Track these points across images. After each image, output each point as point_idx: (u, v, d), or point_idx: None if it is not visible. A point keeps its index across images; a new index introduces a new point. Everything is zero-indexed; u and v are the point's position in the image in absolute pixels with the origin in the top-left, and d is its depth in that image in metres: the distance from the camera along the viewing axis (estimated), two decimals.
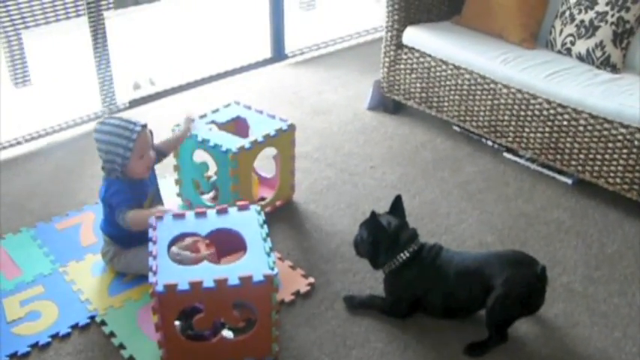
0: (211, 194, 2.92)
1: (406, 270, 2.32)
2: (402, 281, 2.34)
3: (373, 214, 2.31)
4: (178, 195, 2.96)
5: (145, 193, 2.49)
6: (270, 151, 2.86)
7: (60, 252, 2.68)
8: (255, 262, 2.08)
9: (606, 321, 2.41)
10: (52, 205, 2.97)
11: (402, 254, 2.31)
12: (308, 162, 3.29)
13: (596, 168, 2.96)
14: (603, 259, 2.71)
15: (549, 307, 2.45)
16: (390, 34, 3.57)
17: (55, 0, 3.33)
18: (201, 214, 2.28)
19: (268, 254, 2.11)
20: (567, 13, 3.25)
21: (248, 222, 2.25)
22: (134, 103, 3.83)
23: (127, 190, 2.40)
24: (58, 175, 3.21)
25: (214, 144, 2.67)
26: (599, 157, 2.94)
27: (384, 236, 2.31)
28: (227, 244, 2.31)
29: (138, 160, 2.40)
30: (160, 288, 1.97)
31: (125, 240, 2.48)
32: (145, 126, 2.41)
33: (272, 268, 2.05)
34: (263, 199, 2.93)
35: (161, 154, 2.64)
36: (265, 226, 2.24)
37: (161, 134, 3.25)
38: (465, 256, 2.35)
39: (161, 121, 3.57)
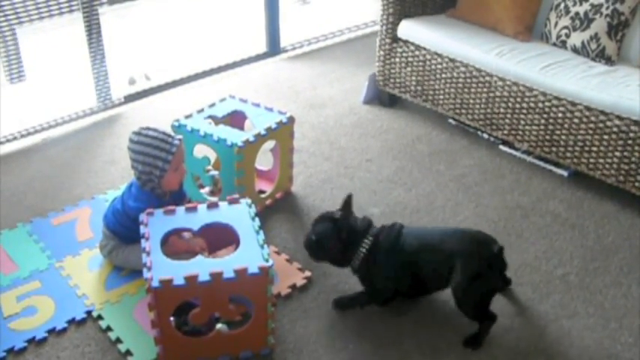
0: (208, 188, 2.92)
1: (372, 259, 2.30)
2: (372, 272, 2.33)
3: (324, 214, 2.32)
4: None
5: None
6: (267, 145, 2.86)
7: (56, 247, 2.67)
8: (250, 254, 2.08)
9: (602, 312, 2.42)
10: (48, 201, 2.96)
11: (362, 245, 2.29)
12: (304, 156, 3.29)
13: (592, 160, 2.97)
14: (599, 250, 2.71)
15: (545, 299, 2.46)
16: (385, 27, 3.57)
17: None
18: (191, 209, 2.28)
19: (262, 246, 2.11)
20: (562, 6, 3.25)
21: (239, 215, 2.25)
22: (129, 99, 3.82)
23: (155, 207, 2.34)
24: (54, 170, 3.20)
25: (218, 138, 2.67)
26: (594, 149, 2.94)
27: (342, 229, 2.29)
28: (219, 239, 2.31)
29: (173, 172, 2.42)
30: (155, 283, 1.97)
31: (128, 237, 2.48)
32: (181, 139, 2.43)
33: (267, 260, 2.06)
34: (262, 192, 2.94)
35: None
36: (257, 219, 2.24)
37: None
38: (426, 232, 2.36)
39: (156, 116, 3.58)
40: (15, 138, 3.44)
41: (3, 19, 3.25)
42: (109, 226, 2.53)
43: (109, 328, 2.32)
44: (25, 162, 3.27)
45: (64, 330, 2.32)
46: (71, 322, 2.35)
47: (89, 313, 2.38)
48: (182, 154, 2.46)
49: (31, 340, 2.27)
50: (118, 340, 2.27)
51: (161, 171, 2.38)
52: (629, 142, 2.81)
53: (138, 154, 2.38)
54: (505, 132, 3.25)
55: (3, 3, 3.19)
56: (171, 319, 2.12)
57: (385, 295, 2.37)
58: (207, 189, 2.91)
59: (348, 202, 2.36)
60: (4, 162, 3.27)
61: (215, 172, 2.85)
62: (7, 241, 2.70)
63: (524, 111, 3.13)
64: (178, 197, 2.55)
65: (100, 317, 2.36)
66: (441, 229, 2.42)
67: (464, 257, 2.19)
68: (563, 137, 3.03)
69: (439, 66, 3.40)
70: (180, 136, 2.44)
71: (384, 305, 2.39)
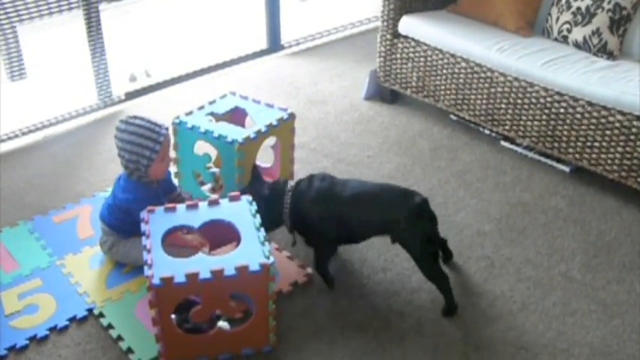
0: (209, 185, 2.91)
1: (297, 212, 2.41)
2: (302, 223, 2.44)
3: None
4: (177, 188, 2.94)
5: (160, 201, 2.47)
6: (268, 141, 2.85)
7: (57, 245, 2.67)
8: (251, 251, 2.07)
9: (605, 309, 2.41)
10: (49, 198, 2.96)
11: (285, 202, 2.42)
12: (305, 152, 3.28)
13: (594, 156, 2.96)
14: (601, 246, 2.70)
15: (547, 295, 2.46)
16: (385, 23, 3.56)
17: None
18: (192, 207, 2.27)
19: (263, 243, 2.11)
20: (564, 1, 3.24)
21: (240, 212, 2.25)
22: (130, 96, 3.81)
23: (146, 198, 2.40)
24: (55, 167, 3.20)
25: (219, 135, 2.66)
26: (596, 144, 2.93)
27: (260, 196, 2.43)
28: (219, 236, 2.30)
29: (160, 162, 2.43)
30: (156, 281, 1.96)
31: (126, 230, 2.48)
32: (167, 128, 2.45)
33: (267, 257, 2.05)
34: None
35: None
36: (258, 216, 2.24)
37: None
38: (358, 183, 2.45)
39: (157, 113, 3.56)
40: (16, 135, 3.43)
41: (4, 16, 3.24)
42: (105, 221, 2.54)
43: (110, 326, 2.31)
44: (26, 159, 3.27)
45: (66, 328, 2.32)
46: (72, 319, 2.35)
47: (90, 310, 2.38)
48: (169, 144, 2.47)
49: (32, 338, 2.27)
50: (119, 338, 2.27)
51: (148, 160, 2.39)
52: (632, 137, 2.80)
53: (125, 143, 2.38)
54: (507, 128, 3.24)
55: (4, 0, 3.19)
56: (173, 316, 2.11)
57: (325, 244, 2.46)
58: (208, 186, 2.90)
59: (253, 172, 2.56)
60: (5, 159, 3.26)
61: (216, 169, 2.85)
62: (8, 239, 2.70)
63: (526, 106, 3.12)
64: (167, 185, 2.58)
65: (101, 315, 2.36)
66: (370, 184, 2.49)
67: (396, 209, 2.31)
68: (565, 133, 3.02)
69: (440, 62, 3.39)
70: (167, 126, 2.44)
71: (327, 257, 2.48)
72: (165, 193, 2.57)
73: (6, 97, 3.79)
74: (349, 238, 2.50)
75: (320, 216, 2.40)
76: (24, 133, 3.46)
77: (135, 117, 2.43)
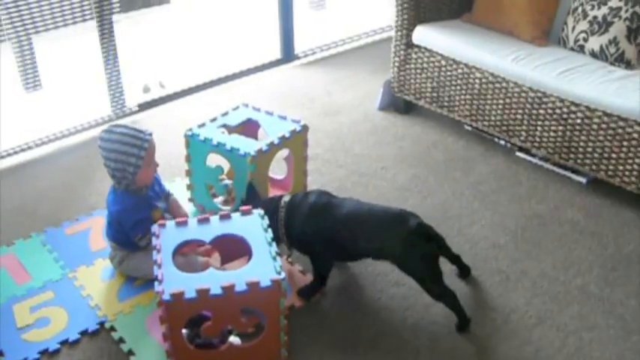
0: (222, 198, 2.90)
1: (291, 228, 2.39)
2: (305, 239, 2.41)
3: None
4: (190, 200, 2.93)
5: (152, 205, 2.49)
6: (281, 153, 2.84)
7: (69, 257, 2.67)
8: (262, 267, 2.05)
9: (623, 324, 2.36)
10: (61, 210, 2.96)
11: (279, 220, 2.39)
12: (318, 163, 3.26)
13: (611, 167, 2.91)
14: (619, 259, 2.66)
15: (564, 310, 2.41)
16: (399, 33, 3.54)
17: (63, 4, 3.32)
18: (204, 221, 2.26)
19: (274, 258, 2.08)
20: (580, 9, 3.20)
21: (252, 227, 2.23)
22: (143, 107, 3.82)
23: (138, 207, 2.41)
24: (68, 179, 3.20)
25: (231, 147, 2.65)
26: (613, 155, 2.89)
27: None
28: (231, 250, 2.29)
29: (146, 168, 2.41)
30: (166, 297, 1.95)
31: (130, 243, 2.47)
32: (151, 134, 2.43)
33: (279, 273, 2.03)
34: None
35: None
36: (270, 231, 2.22)
37: (170, 137, 3.26)
38: (354, 204, 2.41)
39: (171, 124, 3.57)
40: (30, 147, 3.44)
41: (21, 27, 3.26)
42: (109, 237, 2.54)
43: (121, 340, 2.30)
44: (40, 171, 3.28)
45: (77, 341, 2.31)
46: (84, 333, 2.34)
47: (102, 324, 2.37)
48: (154, 150, 2.45)
49: (44, 352, 2.26)
50: (131, 352, 2.25)
51: (135, 167, 2.37)
52: None
53: (110, 152, 2.37)
54: (522, 138, 3.20)
55: (22, 11, 3.21)
56: (184, 331, 2.10)
57: (325, 262, 2.44)
58: (220, 198, 2.89)
59: (248, 191, 2.55)
60: (18, 171, 3.27)
61: (228, 182, 2.84)
62: (21, 251, 2.70)
63: (542, 117, 3.08)
64: (158, 187, 2.57)
65: (112, 328, 2.35)
66: (367, 206, 2.44)
67: (388, 236, 2.28)
68: (582, 144, 2.98)
69: (455, 72, 3.36)
70: (151, 132, 2.43)
71: (327, 272, 2.45)
72: (159, 196, 2.57)
73: (20, 108, 3.81)
74: (343, 257, 2.47)
75: (312, 231, 2.37)
76: (38, 145, 3.47)
77: (117, 125, 2.42)
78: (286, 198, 2.44)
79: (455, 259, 2.54)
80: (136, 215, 2.40)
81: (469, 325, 2.34)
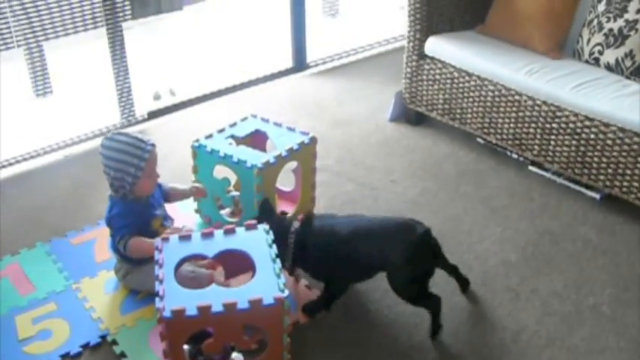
0: (229, 209, 2.87)
1: (302, 253, 2.37)
2: (315, 264, 2.39)
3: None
4: (197, 211, 2.91)
5: (151, 214, 2.45)
6: (289, 165, 2.80)
7: (74, 268, 2.64)
8: (265, 284, 2.01)
9: (636, 347, 2.30)
10: (68, 219, 2.94)
11: (289, 244, 2.36)
12: (328, 175, 3.22)
13: (626, 183, 2.85)
14: (632, 279, 2.60)
15: (575, 331, 2.36)
16: (411, 44, 3.50)
17: (74, 11, 3.32)
18: (207, 235, 2.22)
19: (278, 275, 2.05)
20: (595, 22, 3.15)
21: (256, 242, 2.19)
22: (153, 115, 3.80)
23: (130, 214, 2.38)
24: (75, 188, 3.18)
25: (238, 159, 2.61)
26: (628, 171, 2.83)
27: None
28: (235, 265, 2.25)
29: (146, 178, 2.38)
30: (167, 314, 1.91)
31: (134, 259, 2.44)
32: (154, 145, 2.40)
33: (282, 290, 1.99)
34: (284, 213, 2.87)
35: (165, 198, 2.61)
36: (274, 246, 2.18)
37: (179, 147, 3.24)
38: (357, 220, 2.41)
39: (181, 133, 3.55)
40: (38, 154, 3.43)
41: (31, 34, 3.25)
42: (113, 249, 2.50)
43: (123, 354, 2.27)
44: (47, 179, 3.26)
45: (79, 355, 2.28)
46: (85, 346, 2.31)
47: (104, 337, 2.34)
48: (155, 161, 2.41)
49: None
50: None
51: (133, 177, 2.34)
52: None
53: (109, 160, 2.34)
54: (535, 152, 3.15)
55: (32, 19, 3.20)
56: (185, 347, 2.06)
57: (342, 284, 2.41)
58: (227, 210, 2.85)
59: (263, 207, 2.49)
60: (25, 179, 3.26)
61: (236, 193, 2.80)
62: (25, 261, 2.68)
63: (555, 131, 3.02)
64: (158, 195, 2.53)
65: (114, 342, 2.32)
66: (368, 218, 2.44)
67: (393, 244, 2.25)
68: (596, 159, 2.92)
69: (467, 84, 3.31)
70: (153, 142, 2.40)
71: (341, 293, 2.43)
72: (160, 203, 2.54)
73: (28, 115, 3.80)
74: (360, 275, 2.43)
75: (328, 256, 2.35)
76: (46, 152, 3.46)
77: (120, 133, 2.39)
78: (296, 224, 2.40)
79: (452, 270, 2.50)
80: (123, 221, 2.36)
81: (438, 329, 2.33)
